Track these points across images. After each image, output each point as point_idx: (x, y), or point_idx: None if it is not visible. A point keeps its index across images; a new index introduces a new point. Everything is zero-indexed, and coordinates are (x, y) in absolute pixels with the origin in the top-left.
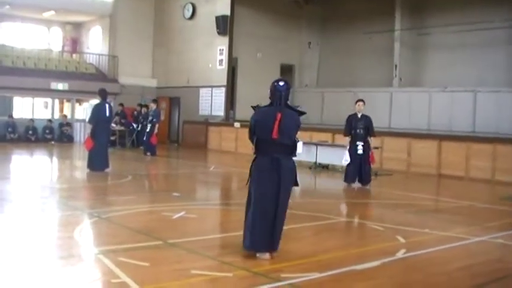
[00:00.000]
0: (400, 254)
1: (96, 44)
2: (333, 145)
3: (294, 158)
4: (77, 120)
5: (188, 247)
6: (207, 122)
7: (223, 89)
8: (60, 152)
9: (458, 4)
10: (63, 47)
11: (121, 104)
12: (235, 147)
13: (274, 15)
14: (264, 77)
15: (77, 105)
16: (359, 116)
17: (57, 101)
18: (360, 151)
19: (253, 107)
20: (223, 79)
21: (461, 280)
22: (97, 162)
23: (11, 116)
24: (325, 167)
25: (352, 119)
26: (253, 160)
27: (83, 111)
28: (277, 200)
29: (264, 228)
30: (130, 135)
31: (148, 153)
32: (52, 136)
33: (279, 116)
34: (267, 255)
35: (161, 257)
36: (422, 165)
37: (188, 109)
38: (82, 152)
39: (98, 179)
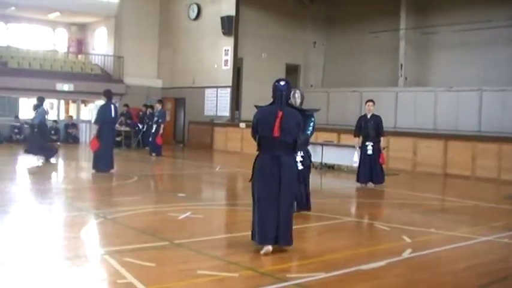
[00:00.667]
0: (406, 253)
1: (101, 45)
2: (338, 145)
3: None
4: (83, 121)
5: (194, 247)
6: (213, 123)
7: (228, 90)
8: (65, 153)
9: (463, 3)
10: (68, 48)
11: (126, 105)
12: (241, 147)
13: (279, 16)
14: (269, 77)
15: (82, 106)
16: (368, 116)
17: (62, 102)
18: (370, 151)
19: (257, 106)
20: (228, 79)
21: (467, 279)
22: (102, 163)
23: (17, 117)
24: (330, 167)
25: (361, 120)
26: (256, 157)
27: (89, 112)
28: (279, 194)
29: (269, 223)
30: (135, 136)
31: (154, 154)
32: (58, 137)
33: (279, 114)
34: (269, 248)
35: (167, 258)
36: (428, 165)
37: (193, 110)
38: (87, 152)
39: (103, 180)
